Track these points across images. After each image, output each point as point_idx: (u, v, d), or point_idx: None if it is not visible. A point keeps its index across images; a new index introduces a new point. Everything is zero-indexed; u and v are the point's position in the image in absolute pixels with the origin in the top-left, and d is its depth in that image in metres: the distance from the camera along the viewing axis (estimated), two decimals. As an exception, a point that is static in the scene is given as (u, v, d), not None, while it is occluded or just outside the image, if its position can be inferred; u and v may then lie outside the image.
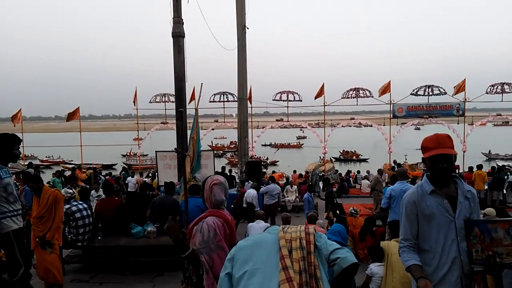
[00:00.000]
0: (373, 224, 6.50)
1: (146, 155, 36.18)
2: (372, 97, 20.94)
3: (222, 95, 21.73)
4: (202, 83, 8.58)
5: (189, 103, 19.34)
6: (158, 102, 23.33)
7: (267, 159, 41.54)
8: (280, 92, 21.68)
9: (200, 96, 8.65)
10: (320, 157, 26.92)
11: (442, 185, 2.27)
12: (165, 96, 23.11)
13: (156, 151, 9.08)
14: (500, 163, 29.92)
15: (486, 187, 14.27)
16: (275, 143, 61.01)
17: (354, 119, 23.11)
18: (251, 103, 20.33)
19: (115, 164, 37.36)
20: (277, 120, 22.94)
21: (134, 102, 22.84)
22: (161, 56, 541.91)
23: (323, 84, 20.61)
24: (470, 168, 15.24)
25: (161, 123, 23.65)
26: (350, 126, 26.41)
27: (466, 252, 2.14)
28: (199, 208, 6.78)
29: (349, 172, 23.66)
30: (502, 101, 21.07)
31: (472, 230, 2.10)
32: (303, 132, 65.94)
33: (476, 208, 2.30)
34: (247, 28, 12.30)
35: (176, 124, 8.23)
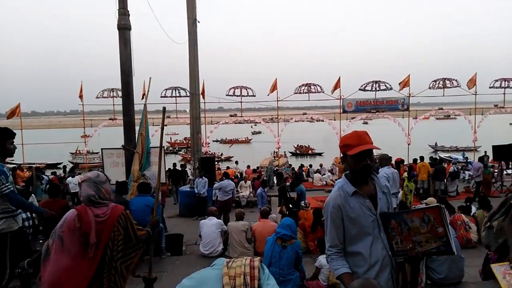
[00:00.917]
0: (321, 215, 6.62)
1: (96, 153, 34.76)
2: (323, 92, 21.43)
3: (174, 90, 21.28)
4: (150, 78, 8.30)
5: (141, 98, 18.75)
6: (105, 97, 22.37)
7: (221, 154, 41.35)
8: (233, 87, 21.60)
9: (148, 91, 8.37)
10: (274, 151, 27.25)
11: (362, 184, 2.25)
12: (113, 91, 22.18)
13: (102, 149, 8.71)
14: (442, 154, 31.83)
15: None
16: (226, 138, 60.32)
17: (306, 114, 23.54)
18: (204, 98, 20.09)
19: (60, 163, 35.57)
20: (231, 116, 22.86)
21: (80, 97, 21.77)
22: (108, 50, 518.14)
23: (275, 80, 20.78)
24: (415, 160, 16.02)
25: (109, 119, 22.74)
26: (303, 121, 26.86)
27: (388, 244, 2.17)
28: (148, 206, 6.58)
29: (302, 166, 24.10)
30: (443, 95, 22.35)
31: (389, 223, 2.13)
32: (252, 127, 65.55)
33: (391, 201, 2.33)
34: (198, 22, 12.06)
35: (123, 120, 7.89)
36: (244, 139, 63.36)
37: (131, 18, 8.29)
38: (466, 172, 19.04)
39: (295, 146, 47.55)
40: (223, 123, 22.89)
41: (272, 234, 5.50)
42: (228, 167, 22.40)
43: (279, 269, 4.74)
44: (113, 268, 2.50)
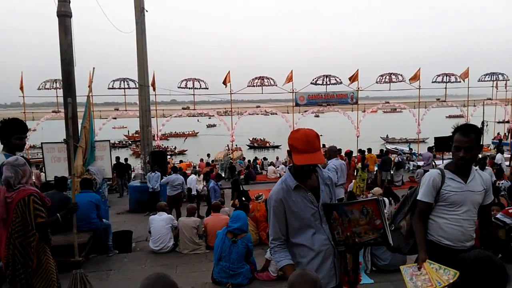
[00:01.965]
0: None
1: (40, 147, 32.83)
2: (276, 85, 21.58)
3: (122, 82, 20.45)
4: (94, 68, 7.93)
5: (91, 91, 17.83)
6: (48, 88, 21.06)
7: (175, 148, 40.62)
8: (185, 80, 21.16)
9: (92, 82, 7.96)
10: (227, 145, 27.09)
11: (305, 177, 2.24)
12: (56, 82, 20.86)
13: (42, 143, 8.17)
14: (389, 146, 33.28)
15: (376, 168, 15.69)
16: (175, 132, 58.47)
17: (260, 107, 23.62)
18: (154, 90, 19.53)
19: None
20: (183, 108, 22.43)
21: (21, 89, 20.37)
22: (51, 39, 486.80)
23: (228, 72, 20.63)
24: (362, 152, 16.61)
25: (52, 112, 21.50)
26: (258, 114, 26.95)
27: (330, 235, 2.21)
28: (92, 203, 6.29)
29: (256, 159, 24.22)
30: (390, 90, 23.32)
31: (332, 214, 2.17)
32: (198, 120, 63.92)
33: (334, 192, 2.37)
34: (146, 11, 11.65)
35: (64, 113, 7.47)
36: (190, 132, 60.59)
37: (73, 6, 7.83)
38: (411, 162, 20.06)
39: (250, 139, 47.70)
40: (175, 116, 22.42)
41: (223, 227, 5.46)
42: (181, 161, 22.04)
43: (229, 263, 4.71)
44: (11, 243, 3.03)
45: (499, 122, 33.66)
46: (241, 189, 12.23)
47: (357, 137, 22.37)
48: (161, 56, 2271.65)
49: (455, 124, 2.71)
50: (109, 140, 8.38)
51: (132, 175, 16.24)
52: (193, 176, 12.64)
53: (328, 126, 56.55)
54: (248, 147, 45.34)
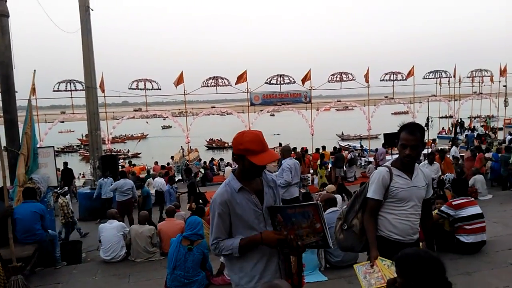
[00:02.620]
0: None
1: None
2: (231, 85, 21.51)
3: (68, 84, 19.46)
4: (35, 70, 7.49)
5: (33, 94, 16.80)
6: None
7: (128, 151, 39.39)
8: (136, 80, 20.52)
9: (34, 85, 7.51)
10: (181, 146, 26.62)
11: (249, 179, 2.24)
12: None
13: (-23, 151, 7.59)
14: (342, 143, 34.22)
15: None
16: (125, 134, 56.17)
17: (215, 107, 23.45)
18: (103, 92, 18.79)
19: None
20: (135, 110, 21.78)
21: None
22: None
23: (181, 72, 20.28)
24: (317, 149, 16.98)
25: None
26: (214, 115, 26.74)
27: None
28: (36, 213, 5.92)
29: (212, 160, 24.02)
30: (341, 88, 23.98)
31: (276, 217, 2.19)
32: (147, 122, 61.54)
33: (278, 194, 2.38)
34: (92, 10, 11.15)
35: (4, 118, 6.98)
36: (139, 134, 57.51)
37: (11, 5, 7.32)
38: (362, 158, 20.77)
39: (207, 140, 47.20)
40: (127, 118, 21.73)
41: (178, 233, 5.32)
42: (134, 165, 21.37)
43: (184, 272, 4.58)
44: None
45: (441, 117, 35.71)
46: (198, 191, 12.08)
47: (312, 135, 22.81)
48: (112, 57, 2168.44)
49: (401, 122, 2.80)
50: (53, 146, 7.92)
51: (82, 181, 15.58)
52: (159, 179, 12.42)
53: (284, 125, 57.32)
54: (207, 148, 44.89)
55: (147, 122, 60.54)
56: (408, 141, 2.61)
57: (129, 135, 56.32)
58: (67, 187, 12.77)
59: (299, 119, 23.80)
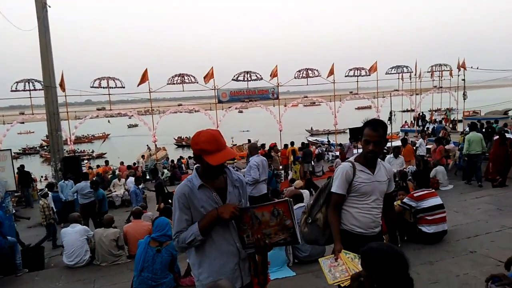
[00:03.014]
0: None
1: None
2: (198, 83, 21.25)
3: (27, 83, 18.56)
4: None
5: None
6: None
7: (92, 152, 38.26)
8: (99, 79, 19.83)
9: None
10: (147, 145, 26.09)
11: (212, 177, 2.25)
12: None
13: None
14: (310, 138, 34.70)
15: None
16: (87, 135, 53.83)
17: (181, 105, 23.12)
18: (64, 91, 18.09)
19: None
20: (98, 109, 21.12)
21: None
22: None
23: (146, 70, 19.83)
24: (285, 145, 17.10)
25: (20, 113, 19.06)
26: (181, 112, 26.30)
27: (239, 239, 2.23)
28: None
29: (181, 158, 23.73)
30: (307, 84, 24.22)
31: (241, 218, 2.16)
32: (109, 121, 59.23)
33: (245, 194, 2.39)
34: (49, 6, 10.67)
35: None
36: (101, 134, 54.70)
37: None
38: (330, 153, 21.13)
39: (176, 138, 46.49)
40: (91, 118, 21.04)
41: (145, 235, 5.19)
42: (98, 165, 20.75)
43: (151, 274, 4.49)
44: None
45: (402, 111, 36.83)
46: (166, 191, 11.89)
47: (280, 131, 22.93)
48: (74, 54, 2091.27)
49: (365, 118, 2.85)
50: (10, 149, 7.56)
51: (45, 183, 14.97)
52: (131, 179, 12.31)
53: (253, 121, 57.44)
54: (176, 146, 44.22)
55: (108, 121, 58.62)
56: (371, 137, 2.67)
57: (90, 136, 53.81)
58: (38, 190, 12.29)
59: (268, 116, 23.87)
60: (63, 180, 10.64)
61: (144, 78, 19.91)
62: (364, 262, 1.82)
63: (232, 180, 2.32)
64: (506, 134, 10.11)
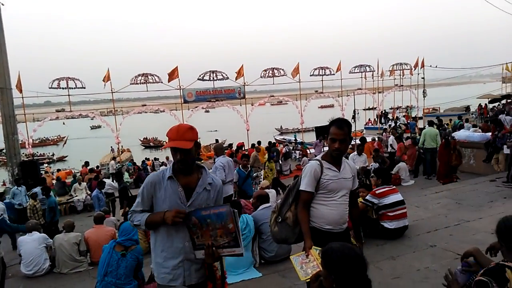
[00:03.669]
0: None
1: None
2: (162, 82, 20.89)
3: (-20, 85, 17.60)
4: None
5: None
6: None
7: (52, 155, 36.76)
8: (58, 79, 19.07)
9: None
10: (111, 147, 25.36)
11: (185, 173, 2.32)
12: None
13: None
14: (278, 137, 34.92)
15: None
16: (43, 138, 49.17)
17: (146, 105, 22.67)
18: (21, 92, 17.31)
19: None
20: (58, 111, 20.32)
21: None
22: None
23: (108, 70, 19.29)
24: (253, 145, 17.12)
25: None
26: (146, 113, 25.75)
27: (190, 239, 2.29)
28: None
29: (146, 159, 23.24)
30: (274, 84, 24.38)
31: (190, 220, 2.23)
32: (64, 123, 56.05)
33: (218, 198, 2.43)
34: (2, 4, 10.16)
35: None
36: (56, 137, 50.64)
37: None
38: (297, 151, 21.35)
39: (141, 139, 45.39)
40: (50, 120, 20.20)
41: (109, 241, 5.03)
42: (58, 170, 19.98)
43: (115, 279, 4.34)
44: None
45: (365, 109, 37.82)
46: (130, 195, 11.64)
47: (247, 130, 22.95)
48: (32, 54, 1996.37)
49: (331, 117, 2.89)
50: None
51: (2, 189, 14.26)
52: (107, 181, 12.08)
53: (220, 121, 57.12)
54: (144, 147, 43.11)
55: (63, 123, 55.82)
56: (337, 135, 2.74)
57: (45, 139, 49.93)
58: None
59: (235, 115, 23.82)
60: (16, 187, 10.14)
61: (106, 78, 19.37)
62: (324, 262, 1.85)
63: (204, 182, 2.35)
64: (450, 138, 10.79)
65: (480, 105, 30.88)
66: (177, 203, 2.26)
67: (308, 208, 2.89)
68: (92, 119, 21.84)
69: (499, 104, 31.70)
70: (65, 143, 43.75)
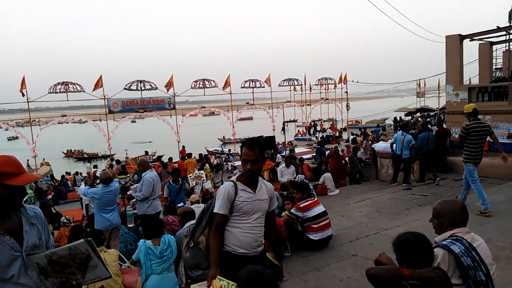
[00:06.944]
0: (80, 232, 5.90)
1: None
2: (84, 91, 19.71)
3: None
4: None
5: None
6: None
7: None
8: (-37, 86, 17.24)
9: None
10: (27, 160, 23.25)
11: (2, 217, 1.87)
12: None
13: None
14: (210, 149, 34.62)
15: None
16: None
17: (66, 116, 21.20)
18: None
19: None
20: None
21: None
22: None
23: (23, 78, 17.78)
24: (183, 158, 16.76)
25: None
26: (68, 123, 24.00)
27: (40, 282, 1.93)
28: None
29: (66, 174, 21.68)
30: (204, 95, 24.17)
31: (38, 264, 1.92)
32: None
33: (45, 230, 2.06)
34: None
35: None
36: None
37: None
38: (229, 163, 21.29)
39: (65, 152, 42.03)
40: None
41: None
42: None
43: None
44: None
45: (288, 122, 38.82)
46: (54, 212, 10.79)
47: (178, 142, 22.44)
48: None
49: (242, 138, 2.85)
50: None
51: None
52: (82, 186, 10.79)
53: (148, 132, 55.27)
54: (76, 159, 39.49)
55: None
56: (248, 156, 2.68)
57: None
58: None
59: (164, 126, 23.19)
60: None
61: (23, 86, 17.82)
62: (237, 282, 1.87)
63: (28, 217, 1.97)
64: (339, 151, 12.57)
65: (395, 118, 33.39)
66: (8, 254, 1.82)
67: (221, 232, 2.77)
68: (6, 130, 19.78)
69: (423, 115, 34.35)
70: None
